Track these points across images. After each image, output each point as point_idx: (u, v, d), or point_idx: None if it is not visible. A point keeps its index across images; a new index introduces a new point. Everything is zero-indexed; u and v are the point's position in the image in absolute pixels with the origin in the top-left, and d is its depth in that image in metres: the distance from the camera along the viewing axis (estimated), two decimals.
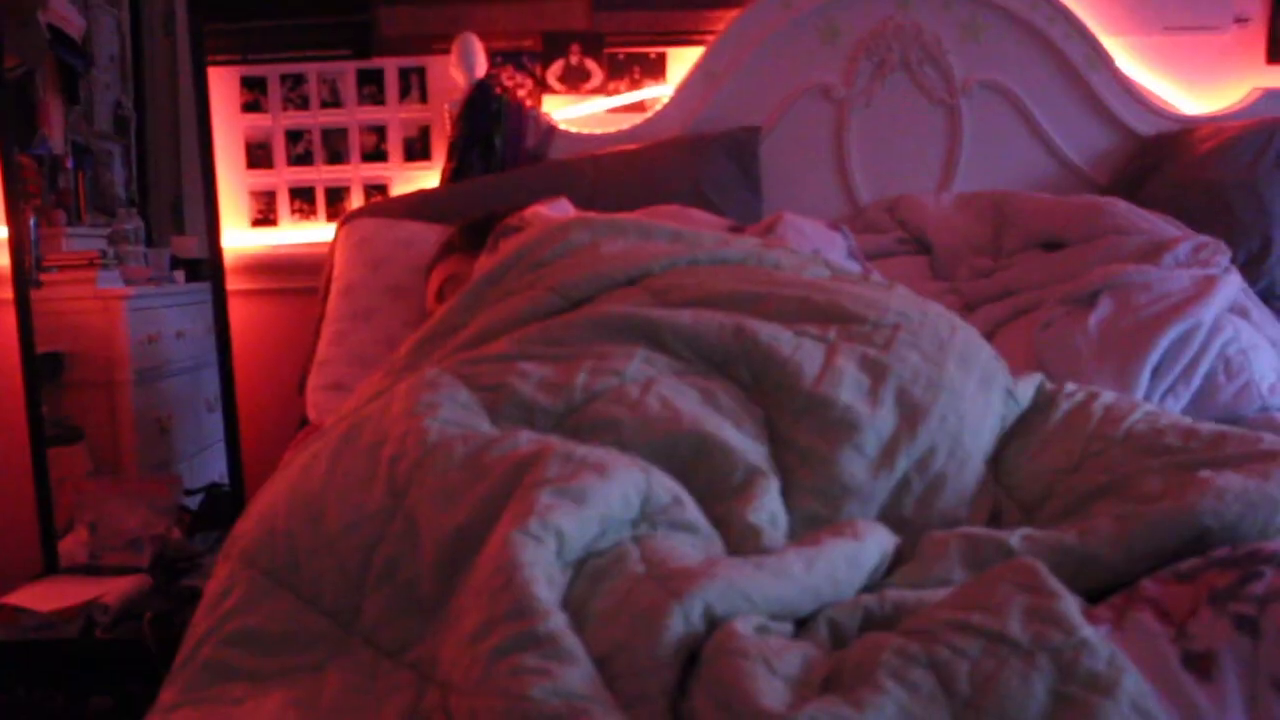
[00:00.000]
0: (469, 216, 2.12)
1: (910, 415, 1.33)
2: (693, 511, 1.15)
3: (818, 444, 1.30)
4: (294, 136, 2.52)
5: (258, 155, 2.52)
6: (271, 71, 2.48)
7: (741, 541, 1.17)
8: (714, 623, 0.95)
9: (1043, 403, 1.49)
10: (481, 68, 2.41)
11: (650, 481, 1.13)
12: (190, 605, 2.30)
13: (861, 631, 1.02)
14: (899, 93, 2.52)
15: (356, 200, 2.55)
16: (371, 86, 2.51)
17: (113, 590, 2.28)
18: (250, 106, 2.51)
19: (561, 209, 1.98)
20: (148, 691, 2.22)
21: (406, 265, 2.19)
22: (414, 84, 2.51)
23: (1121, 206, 2.19)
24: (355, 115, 2.53)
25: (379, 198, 2.55)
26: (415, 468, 1.18)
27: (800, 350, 1.37)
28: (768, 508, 1.22)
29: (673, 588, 0.96)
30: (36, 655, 2.16)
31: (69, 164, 2.49)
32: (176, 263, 2.60)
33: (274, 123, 2.51)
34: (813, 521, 1.26)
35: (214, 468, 2.73)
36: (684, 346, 1.39)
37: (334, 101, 2.52)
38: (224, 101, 2.47)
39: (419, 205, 2.36)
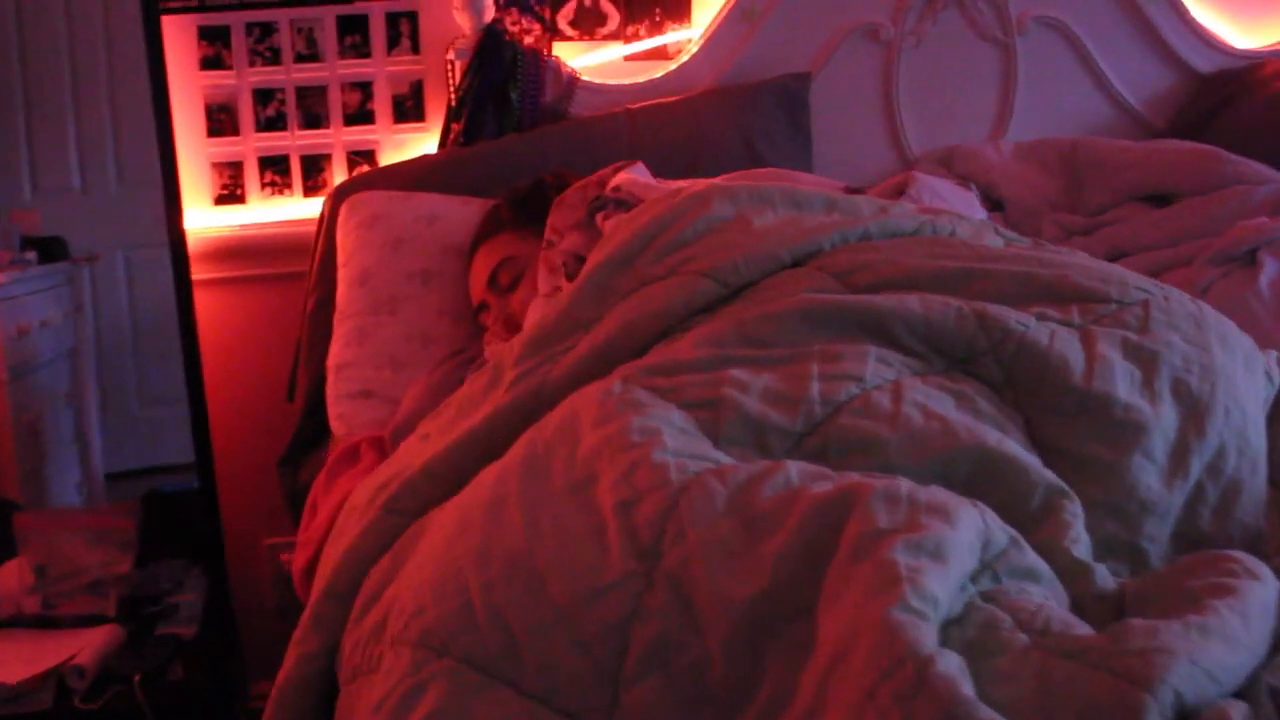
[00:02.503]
0: (515, 186, 1.87)
1: (1193, 410, 1.16)
2: (1031, 553, 0.95)
3: (1100, 451, 1.12)
4: (263, 97, 2.21)
5: (220, 120, 2.21)
6: (235, 20, 2.16)
7: (1070, 583, 0.98)
8: (1184, 715, 0.76)
9: None
10: (490, 11, 2.14)
11: (987, 521, 0.93)
12: (179, 659, 2.02)
13: None
14: (951, 32, 2.35)
15: (339, 170, 2.26)
16: (355, 36, 2.21)
17: (83, 648, 1.98)
18: (210, 62, 2.18)
19: (640, 174, 1.75)
20: None
21: (434, 245, 1.93)
22: (404, 32, 2.22)
23: (1224, 153, 2.06)
24: (336, 70, 2.23)
25: (365, 166, 2.26)
26: (665, 518, 0.96)
27: (1057, 339, 1.18)
28: (1083, 537, 1.03)
29: (1131, 673, 0.77)
30: None
31: None
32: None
33: (239, 81, 2.20)
34: (1109, 547, 1.09)
35: (70, 474, 2.41)
36: (917, 340, 1.19)
37: (310, 55, 2.21)
38: (178, 56, 2.15)
39: (429, 173, 2.10)
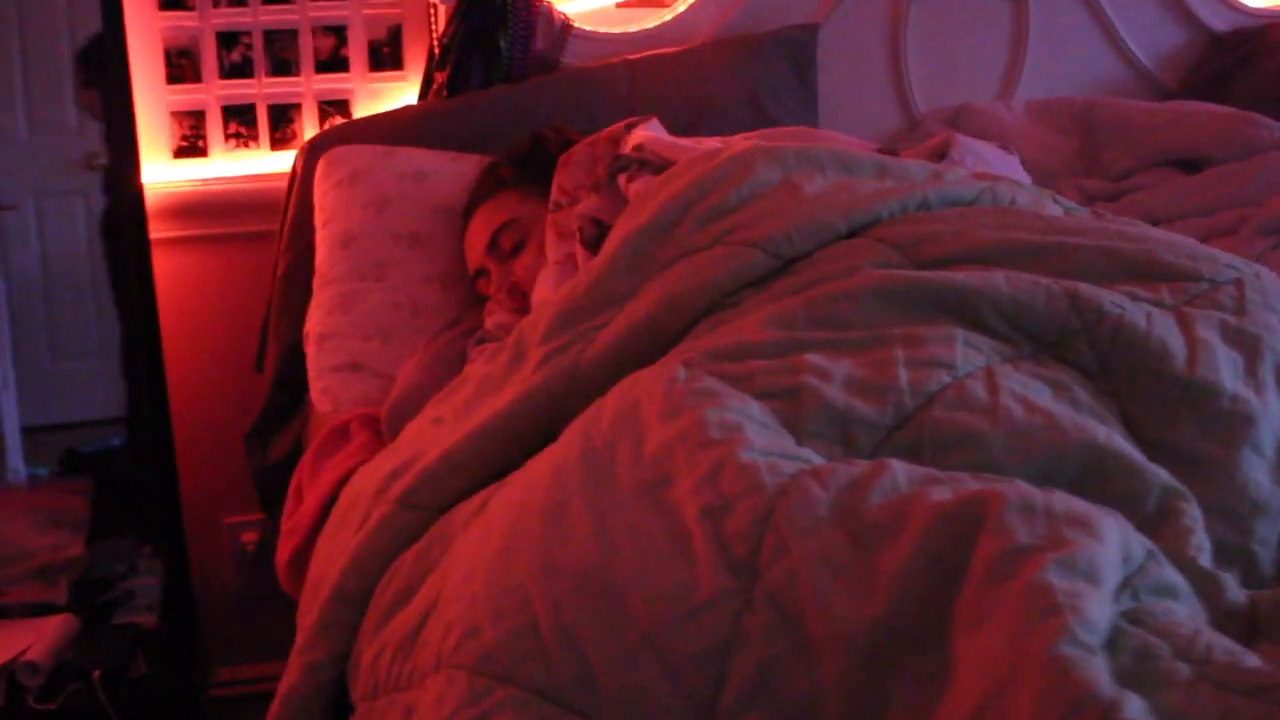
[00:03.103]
0: (515, 142, 1.75)
1: None
2: (1169, 566, 0.87)
3: (1206, 446, 1.04)
4: (227, 41, 2.05)
5: (180, 66, 2.05)
6: None
7: (1198, 597, 0.90)
8: None
9: None
10: None
11: (1124, 532, 0.85)
12: (139, 650, 1.90)
13: None
14: None
15: (309, 121, 2.11)
16: None
17: (35, 641, 1.86)
18: (170, 2, 2.02)
19: (656, 131, 1.63)
20: None
21: (423, 205, 1.81)
22: None
23: (1259, 118, 2.00)
24: (307, 13, 2.07)
25: (338, 117, 2.12)
26: (761, 528, 0.87)
27: (1154, 322, 1.09)
28: (1207, 544, 0.95)
29: None
30: None
31: None
32: None
33: (201, 23, 2.04)
34: (1220, 552, 1.00)
35: None
36: (1004, 322, 1.10)
37: None
38: None
39: (412, 127, 1.97)
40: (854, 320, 1.09)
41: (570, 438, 1.04)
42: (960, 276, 1.12)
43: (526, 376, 1.24)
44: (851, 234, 1.25)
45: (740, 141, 1.37)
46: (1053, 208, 1.37)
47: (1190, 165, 1.99)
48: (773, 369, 1.04)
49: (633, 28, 2.14)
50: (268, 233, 2.06)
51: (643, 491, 0.94)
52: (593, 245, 1.50)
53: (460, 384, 1.36)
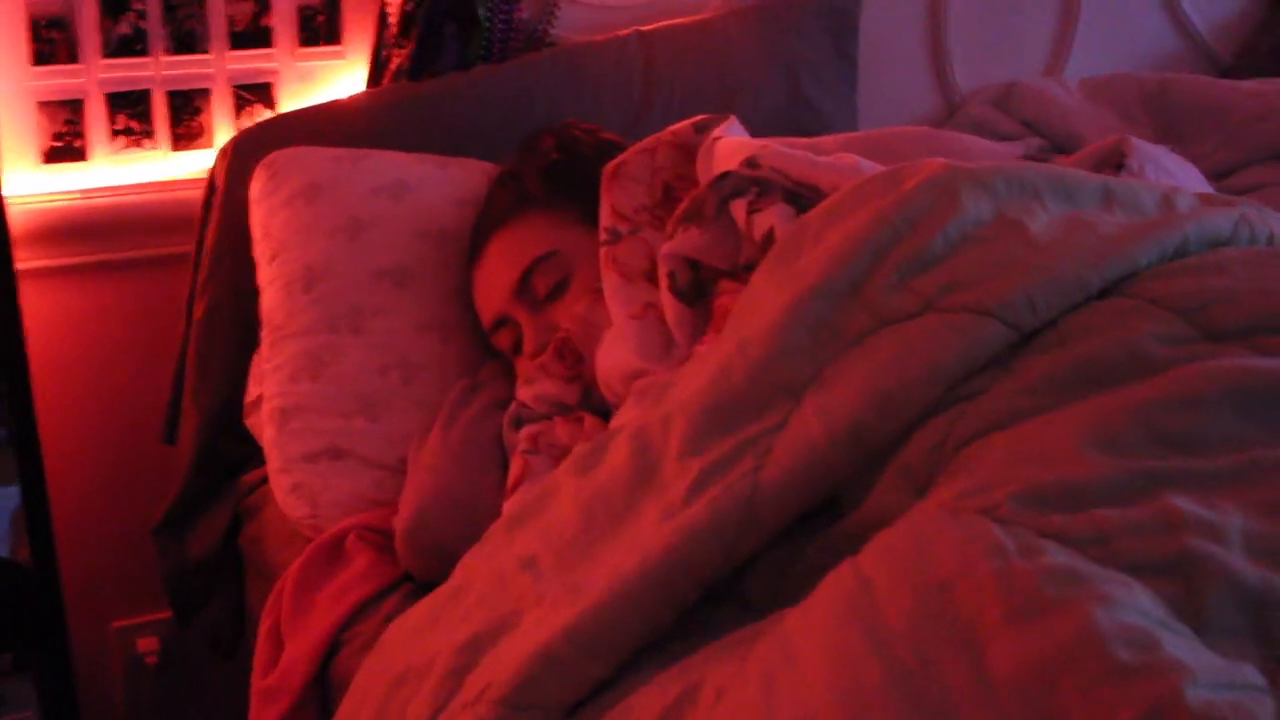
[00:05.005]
0: (534, 145, 1.42)
1: None
2: None
3: None
4: (113, 8, 1.65)
5: (50, 41, 1.64)
6: None
7: None
8: None
9: None
10: None
11: None
12: None
13: None
14: None
15: (221, 112, 1.72)
16: None
17: None
18: None
19: (735, 133, 1.32)
20: None
21: (407, 229, 1.47)
22: None
23: None
24: None
25: (259, 106, 1.74)
26: None
27: None
28: None
29: None
30: None
31: None
32: None
33: None
34: None
35: None
36: None
37: None
38: None
39: (373, 120, 1.63)
40: (1214, 439, 0.81)
41: (839, 633, 0.74)
42: None
43: (674, 505, 0.94)
44: (1106, 292, 0.98)
45: (933, 159, 1.07)
46: None
47: None
48: (1135, 525, 0.75)
49: None
50: (172, 259, 1.71)
51: None
52: (688, 296, 1.19)
53: (544, 500, 1.05)
